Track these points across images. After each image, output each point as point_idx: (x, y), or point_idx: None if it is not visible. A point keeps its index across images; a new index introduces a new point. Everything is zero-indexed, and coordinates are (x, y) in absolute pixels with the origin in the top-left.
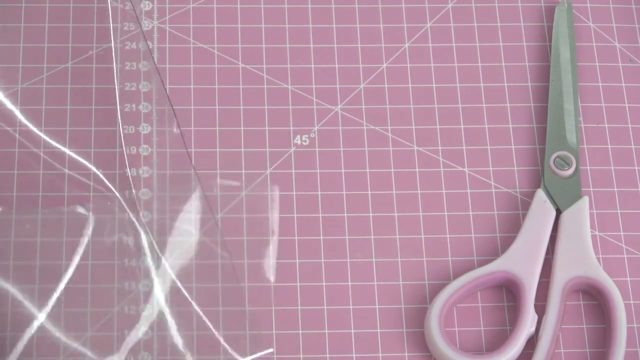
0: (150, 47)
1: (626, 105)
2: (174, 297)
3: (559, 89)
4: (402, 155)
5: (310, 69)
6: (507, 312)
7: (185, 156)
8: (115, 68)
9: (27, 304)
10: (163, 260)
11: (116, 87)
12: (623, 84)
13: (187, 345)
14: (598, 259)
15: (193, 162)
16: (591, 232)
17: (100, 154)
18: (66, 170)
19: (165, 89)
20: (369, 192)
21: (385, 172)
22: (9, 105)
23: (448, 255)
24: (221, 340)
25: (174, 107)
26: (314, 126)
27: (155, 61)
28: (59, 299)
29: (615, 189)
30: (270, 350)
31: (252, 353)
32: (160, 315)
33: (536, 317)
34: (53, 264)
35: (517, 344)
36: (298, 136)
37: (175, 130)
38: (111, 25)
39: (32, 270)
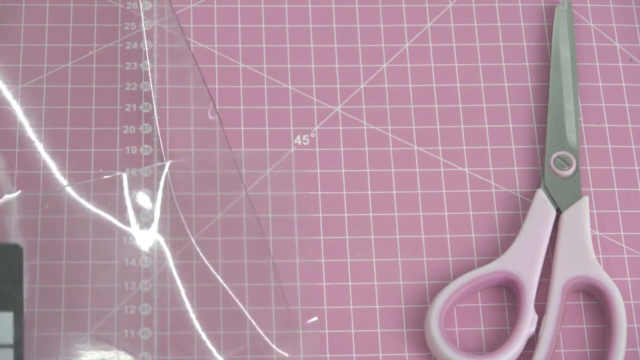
0: (150, 47)
1: (626, 105)
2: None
3: (559, 89)
4: (402, 155)
5: (310, 69)
6: (507, 312)
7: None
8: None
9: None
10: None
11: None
12: (623, 84)
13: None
14: (598, 259)
15: (193, 163)
16: (591, 232)
17: (101, 153)
18: (66, 171)
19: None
20: (369, 192)
21: (385, 172)
22: (9, 105)
23: (448, 255)
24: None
25: (175, 108)
26: (314, 126)
27: (155, 61)
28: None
29: (615, 189)
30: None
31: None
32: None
33: (536, 317)
34: (54, 264)
35: (517, 344)
36: (298, 136)
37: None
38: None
39: (33, 268)
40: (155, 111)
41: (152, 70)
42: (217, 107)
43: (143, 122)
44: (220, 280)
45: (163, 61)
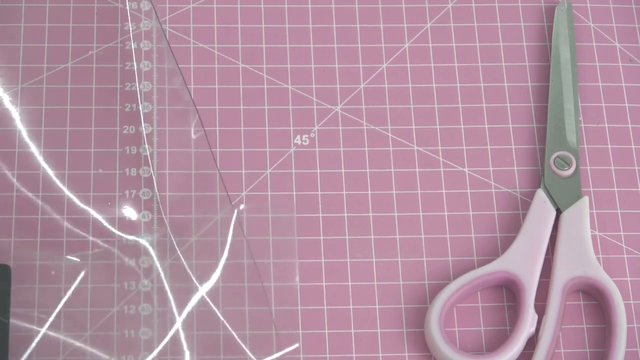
0: (150, 47)
1: (626, 105)
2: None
3: (559, 89)
4: (402, 155)
5: (310, 69)
6: (507, 312)
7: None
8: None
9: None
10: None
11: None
12: (623, 84)
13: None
14: (598, 259)
15: (193, 163)
16: (591, 232)
17: (101, 153)
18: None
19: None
20: (369, 192)
21: (385, 172)
22: (9, 105)
23: (448, 255)
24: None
25: (174, 108)
26: (314, 126)
27: (155, 62)
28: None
29: (615, 189)
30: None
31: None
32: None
33: (536, 317)
34: (52, 264)
35: (517, 344)
36: (298, 136)
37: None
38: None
39: (33, 269)
40: (155, 112)
41: (151, 70)
42: (217, 107)
43: (143, 122)
44: (220, 282)
45: (162, 63)
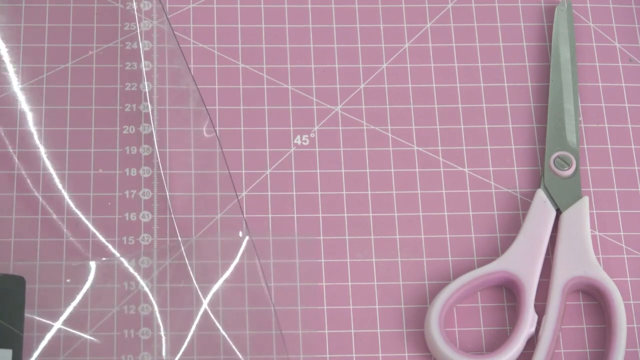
0: (150, 47)
1: (626, 105)
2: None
3: (559, 89)
4: (402, 155)
5: (310, 69)
6: (507, 312)
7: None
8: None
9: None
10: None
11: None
12: (623, 84)
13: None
14: (598, 259)
15: (200, 164)
16: (591, 232)
17: (101, 153)
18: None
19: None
20: (369, 192)
21: (385, 172)
22: (9, 105)
23: (448, 255)
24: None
25: (174, 108)
26: (314, 126)
27: (155, 61)
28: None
29: (615, 189)
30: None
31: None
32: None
33: (536, 317)
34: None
35: (517, 344)
36: (298, 136)
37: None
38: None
39: (33, 269)
40: (155, 112)
41: (152, 70)
42: (217, 107)
43: (143, 122)
44: (220, 281)
45: (162, 63)
